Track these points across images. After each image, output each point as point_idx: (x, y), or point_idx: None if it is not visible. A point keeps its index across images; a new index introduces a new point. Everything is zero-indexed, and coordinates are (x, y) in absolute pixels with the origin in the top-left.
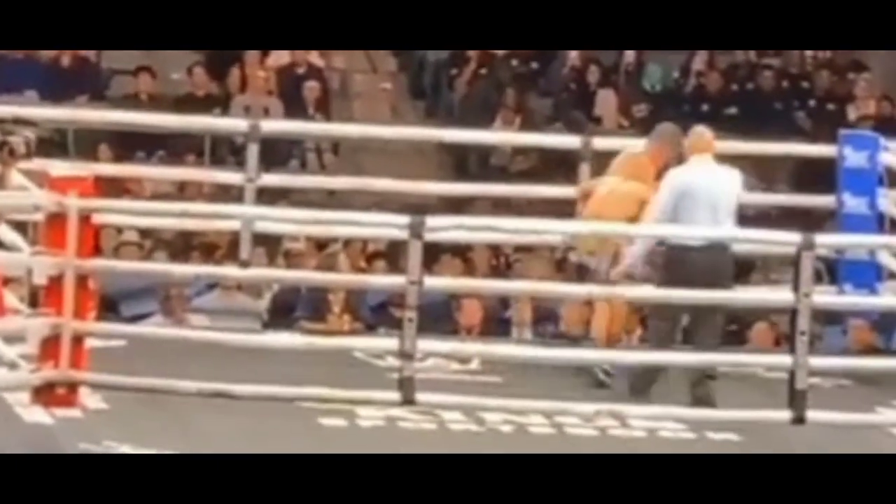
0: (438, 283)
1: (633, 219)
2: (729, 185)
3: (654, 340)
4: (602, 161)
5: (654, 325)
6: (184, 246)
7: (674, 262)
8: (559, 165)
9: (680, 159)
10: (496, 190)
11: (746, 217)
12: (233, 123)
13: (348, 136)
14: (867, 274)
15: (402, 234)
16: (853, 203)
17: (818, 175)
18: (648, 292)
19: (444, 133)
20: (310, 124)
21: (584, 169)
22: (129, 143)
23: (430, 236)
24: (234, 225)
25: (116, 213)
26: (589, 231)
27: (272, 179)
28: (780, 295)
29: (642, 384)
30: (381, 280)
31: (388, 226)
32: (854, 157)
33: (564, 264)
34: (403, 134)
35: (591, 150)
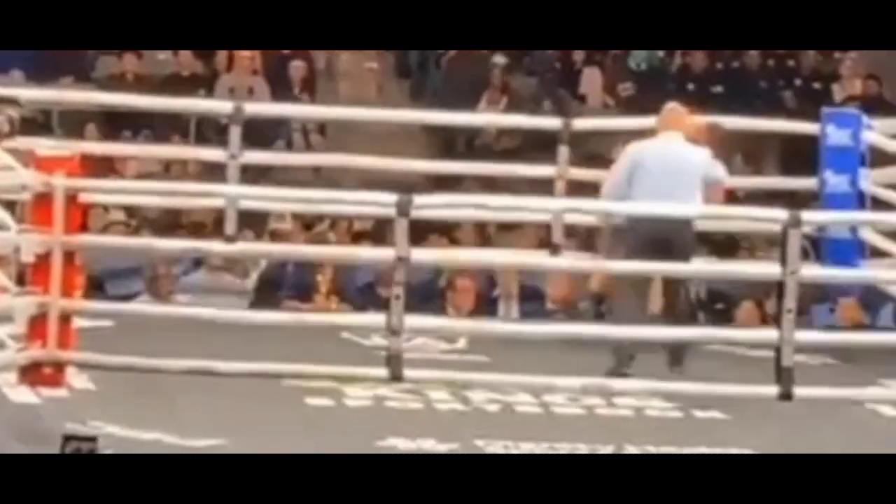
0: (426, 256)
1: None
2: (691, 161)
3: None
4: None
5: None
6: (170, 225)
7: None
8: (545, 144)
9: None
10: (482, 168)
11: (736, 198)
12: (217, 105)
13: (333, 118)
14: (850, 252)
15: (390, 213)
16: (835, 181)
17: (805, 156)
18: (628, 265)
19: (429, 115)
20: (293, 106)
21: (563, 151)
22: (116, 123)
23: (417, 213)
24: (218, 203)
25: (103, 193)
26: (566, 207)
27: (256, 157)
28: (767, 268)
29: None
30: (369, 254)
31: (374, 204)
32: (837, 135)
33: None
34: (388, 116)
35: (570, 131)
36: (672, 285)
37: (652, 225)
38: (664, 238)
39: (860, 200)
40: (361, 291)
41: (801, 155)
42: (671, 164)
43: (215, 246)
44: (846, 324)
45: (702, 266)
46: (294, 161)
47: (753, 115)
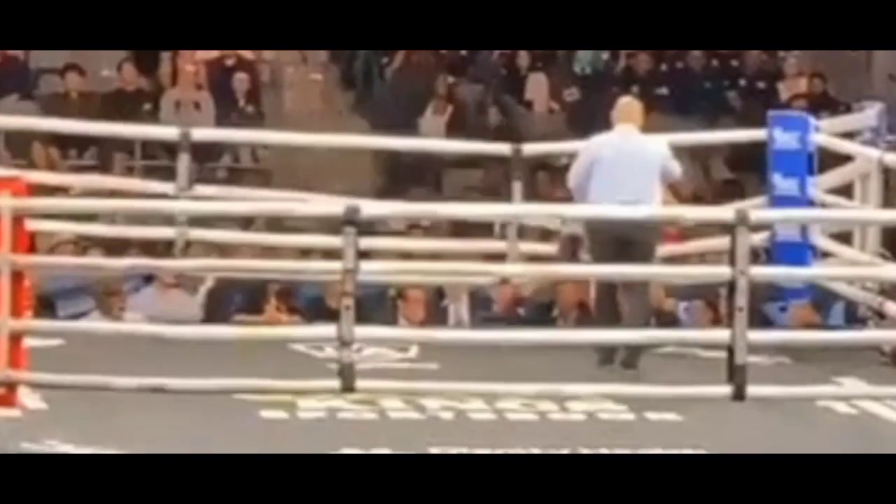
0: (374, 267)
1: None
2: (648, 152)
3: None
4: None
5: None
6: (119, 244)
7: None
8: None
9: None
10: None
11: (683, 199)
12: (163, 131)
13: (279, 142)
14: (801, 254)
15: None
16: (784, 185)
17: (754, 155)
18: (578, 269)
19: (376, 140)
20: (240, 131)
21: (517, 187)
22: (61, 142)
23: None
24: (168, 233)
25: (49, 219)
26: (521, 212)
27: (206, 191)
28: (717, 270)
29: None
30: (317, 267)
31: (323, 216)
32: (784, 139)
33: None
34: (336, 141)
35: (521, 158)
36: (631, 288)
37: (611, 225)
38: (625, 238)
39: (809, 206)
40: (310, 304)
41: (750, 154)
42: (628, 155)
43: (164, 263)
44: (798, 323)
45: (652, 268)
46: (242, 195)
47: (699, 116)
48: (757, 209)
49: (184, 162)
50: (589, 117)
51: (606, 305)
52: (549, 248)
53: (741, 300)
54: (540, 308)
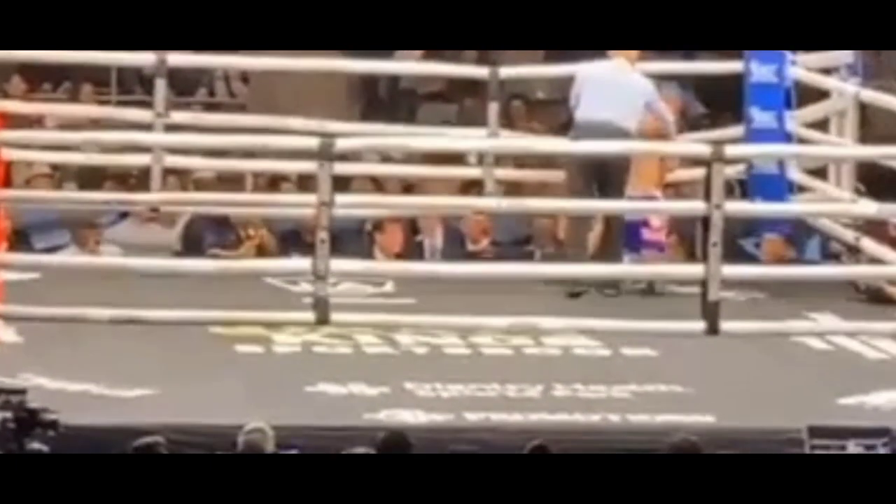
0: (349, 200)
1: None
2: (635, 84)
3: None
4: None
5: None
6: (95, 177)
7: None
8: (467, 88)
9: None
10: (408, 141)
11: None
12: (139, 57)
13: (256, 67)
14: (777, 188)
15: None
16: (761, 118)
17: (730, 93)
18: (553, 203)
19: (353, 64)
20: (216, 56)
21: (493, 108)
22: (35, 74)
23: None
24: (144, 160)
25: (25, 149)
26: (493, 146)
27: (182, 117)
28: (691, 205)
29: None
30: (292, 200)
31: (298, 149)
32: (761, 72)
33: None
34: (312, 65)
35: (498, 81)
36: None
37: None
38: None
39: (787, 139)
40: (287, 237)
41: (725, 91)
42: (614, 84)
43: (140, 197)
44: (772, 258)
45: (626, 203)
46: (219, 122)
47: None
48: (734, 144)
49: (160, 88)
50: (566, 56)
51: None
52: (525, 174)
53: (715, 235)
54: (516, 241)
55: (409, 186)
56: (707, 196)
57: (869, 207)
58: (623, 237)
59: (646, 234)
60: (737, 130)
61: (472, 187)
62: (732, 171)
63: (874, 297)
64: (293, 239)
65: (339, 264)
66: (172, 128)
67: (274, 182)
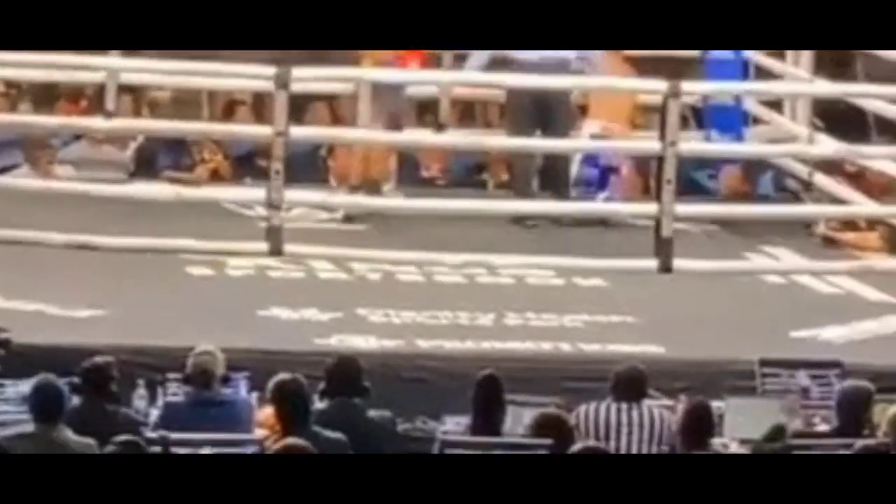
0: (304, 132)
1: None
2: None
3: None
4: None
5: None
6: (49, 95)
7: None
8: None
9: None
10: (362, 73)
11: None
12: None
13: None
14: (733, 119)
15: (269, 85)
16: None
17: None
18: (508, 141)
19: None
20: None
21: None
22: None
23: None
24: (99, 77)
25: None
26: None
27: None
28: (646, 143)
29: None
30: (248, 130)
31: (254, 77)
32: None
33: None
34: None
35: None
36: (553, 159)
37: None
38: (545, 104)
39: (744, 68)
40: (241, 160)
41: None
42: None
43: (94, 122)
44: (727, 191)
45: (582, 141)
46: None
47: None
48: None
49: None
50: None
51: (524, 172)
52: (484, 92)
53: (670, 173)
54: (470, 168)
55: None
56: (662, 133)
57: (826, 147)
58: (568, 173)
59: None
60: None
61: (427, 109)
62: (688, 100)
63: (825, 239)
64: (248, 162)
65: (294, 194)
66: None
67: (230, 106)
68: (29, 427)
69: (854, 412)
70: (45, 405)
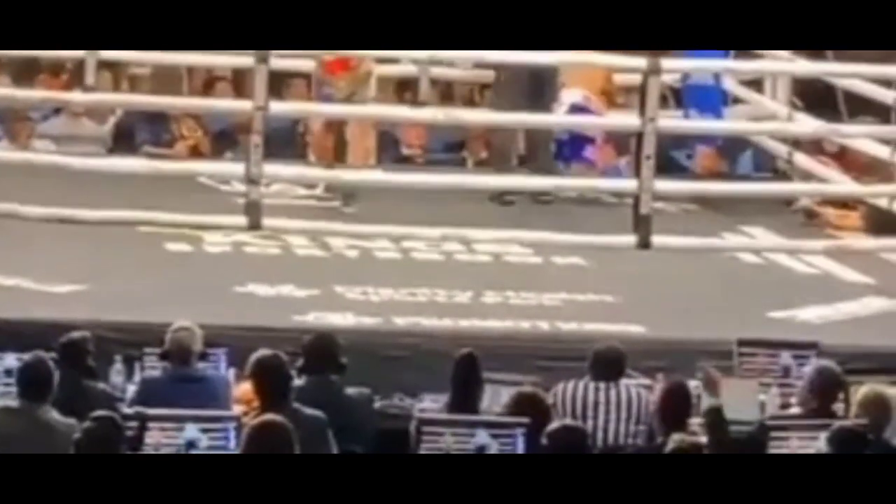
0: (284, 108)
1: None
2: None
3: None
4: None
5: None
6: (29, 69)
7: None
8: None
9: None
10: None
11: None
12: None
13: None
14: (712, 98)
15: (249, 61)
16: None
17: None
18: (491, 116)
19: None
20: None
21: None
22: None
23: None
24: (79, 52)
25: None
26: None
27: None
28: (625, 119)
29: None
30: (227, 105)
31: (234, 52)
32: None
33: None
34: None
35: None
36: (537, 134)
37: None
38: (538, 80)
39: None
40: (219, 135)
41: None
42: None
43: (73, 96)
44: (702, 171)
45: (562, 117)
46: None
47: None
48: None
49: None
50: None
51: (504, 147)
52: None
53: (649, 149)
54: (449, 146)
55: None
56: (641, 109)
57: (805, 125)
58: (551, 148)
59: (588, 152)
60: None
61: (407, 87)
62: (668, 79)
63: (807, 215)
64: (226, 137)
65: (272, 169)
66: None
67: (210, 82)
68: (13, 402)
69: (825, 394)
70: (33, 383)
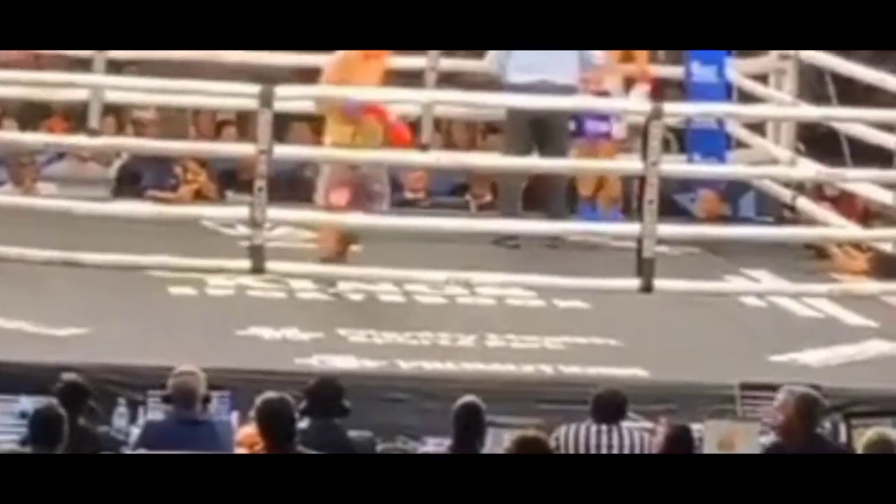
0: (287, 151)
1: None
2: None
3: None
4: None
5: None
6: (35, 113)
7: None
8: None
9: None
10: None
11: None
12: None
13: None
14: (716, 142)
15: (252, 104)
16: (701, 72)
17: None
18: (496, 159)
19: None
20: None
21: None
22: None
23: (280, 106)
24: (83, 94)
25: None
26: (435, 99)
27: (120, 53)
28: (628, 164)
29: None
30: (231, 149)
31: (238, 95)
32: None
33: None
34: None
35: None
36: (547, 178)
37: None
38: (542, 120)
39: (727, 91)
40: (224, 177)
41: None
42: None
43: (78, 140)
44: (704, 214)
45: (567, 161)
46: (160, 56)
47: None
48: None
49: None
50: None
51: (510, 192)
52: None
53: (651, 193)
54: (453, 189)
55: None
56: (644, 154)
57: (808, 170)
58: (562, 192)
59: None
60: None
61: (410, 129)
62: (671, 122)
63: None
64: (230, 178)
65: (277, 213)
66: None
67: (218, 127)
68: (25, 449)
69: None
70: (46, 429)
